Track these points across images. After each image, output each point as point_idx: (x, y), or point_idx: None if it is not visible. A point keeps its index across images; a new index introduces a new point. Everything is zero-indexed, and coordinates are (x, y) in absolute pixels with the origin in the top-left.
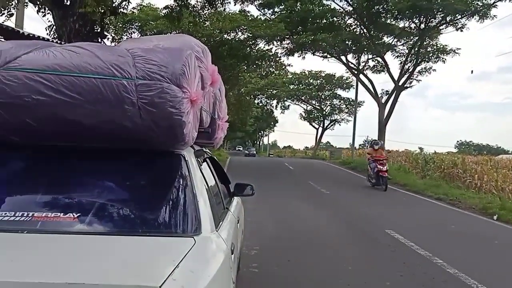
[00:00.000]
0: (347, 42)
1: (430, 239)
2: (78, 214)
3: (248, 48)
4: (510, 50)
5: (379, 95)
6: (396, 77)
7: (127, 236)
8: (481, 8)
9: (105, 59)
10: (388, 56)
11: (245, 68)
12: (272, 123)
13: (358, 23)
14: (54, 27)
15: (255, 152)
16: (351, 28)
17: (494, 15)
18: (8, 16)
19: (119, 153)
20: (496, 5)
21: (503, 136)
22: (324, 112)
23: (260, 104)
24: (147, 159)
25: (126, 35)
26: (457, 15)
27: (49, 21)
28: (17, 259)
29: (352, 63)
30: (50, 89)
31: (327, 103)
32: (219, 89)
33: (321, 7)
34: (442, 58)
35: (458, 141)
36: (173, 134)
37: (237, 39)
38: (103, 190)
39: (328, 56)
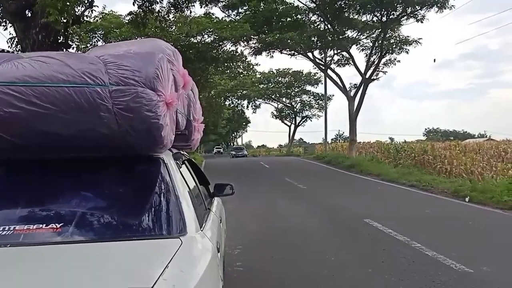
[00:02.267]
0: (312, 38)
1: (407, 225)
2: (61, 224)
3: (215, 51)
4: (469, 37)
5: (348, 89)
6: (362, 70)
7: (113, 241)
8: None
9: (76, 67)
10: (354, 50)
11: (214, 70)
12: (244, 123)
13: (322, 19)
14: (17, 39)
15: (246, 152)
16: (316, 25)
17: (452, 5)
18: None
19: (98, 161)
20: None
21: (468, 121)
22: (295, 109)
23: (231, 105)
24: (126, 165)
25: (91, 44)
26: (416, 6)
27: (10, 34)
28: (3, 273)
29: (319, 59)
30: (22, 101)
31: (297, 100)
32: (192, 91)
33: (285, 6)
34: (405, 49)
35: (426, 129)
36: (151, 137)
37: (203, 42)
38: (86, 199)
39: (296, 53)
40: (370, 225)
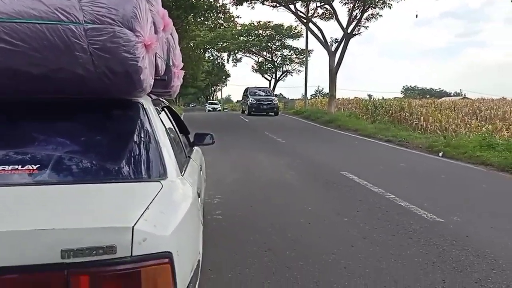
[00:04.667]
0: None
1: (382, 177)
2: (38, 166)
3: None
4: None
5: (329, 43)
6: (344, 25)
7: (93, 184)
8: None
9: (48, 3)
10: (336, 4)
11: (193, 20)
12: (224, 77)
13: None
14: None
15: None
16: None
17: None
18: None
19: (75, 103)
20: None
21: (445, 79)
22: (276, 64)
23: (211, 58)
24: (104, 108)
25: None
26: None
27: None
28: None
29: (301, 12)
30: None
31: (277, 54)
32: (171, 35)
33: None
34: (388, 3)
35: (404, 86)
36: (129, 80)
37: None
38: (62, 142)
39: (277, 5)
40: (347, 177)
